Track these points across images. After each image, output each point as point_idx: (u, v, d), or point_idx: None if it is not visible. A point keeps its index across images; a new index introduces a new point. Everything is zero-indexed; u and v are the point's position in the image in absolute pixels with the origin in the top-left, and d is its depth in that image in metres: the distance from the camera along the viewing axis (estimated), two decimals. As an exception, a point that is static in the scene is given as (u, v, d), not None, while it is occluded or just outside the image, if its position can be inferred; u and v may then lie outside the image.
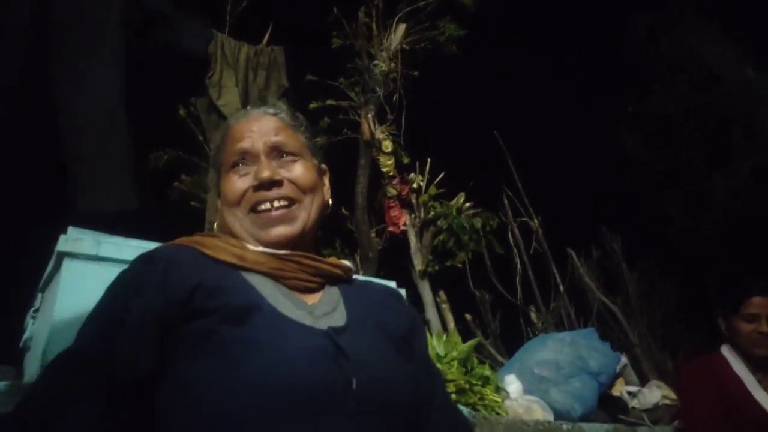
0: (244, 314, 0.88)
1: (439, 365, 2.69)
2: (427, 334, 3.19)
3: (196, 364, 0.83)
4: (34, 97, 2.36)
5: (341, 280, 1.08)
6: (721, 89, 6.22)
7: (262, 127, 1.07)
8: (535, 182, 5.01)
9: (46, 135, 2.31)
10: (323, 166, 1.17)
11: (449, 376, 2.69)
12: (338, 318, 0.98)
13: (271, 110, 1.14)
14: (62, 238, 1.57)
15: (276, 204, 1.03)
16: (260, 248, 1.01)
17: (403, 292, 2.73)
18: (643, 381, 3.51)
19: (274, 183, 1.03)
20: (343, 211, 4.57)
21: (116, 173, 2.41)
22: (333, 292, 1.04)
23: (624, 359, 3.47)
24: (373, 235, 4.42)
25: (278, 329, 0.88)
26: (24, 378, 1.67)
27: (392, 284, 2.53)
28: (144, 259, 0.97)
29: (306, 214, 1.05)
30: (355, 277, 1.16)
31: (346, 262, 1.12)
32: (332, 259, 1.11)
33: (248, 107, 1.16)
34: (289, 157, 1.07)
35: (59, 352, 0.87)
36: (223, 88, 3.39)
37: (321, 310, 0.98)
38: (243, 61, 3.58)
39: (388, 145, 4.57)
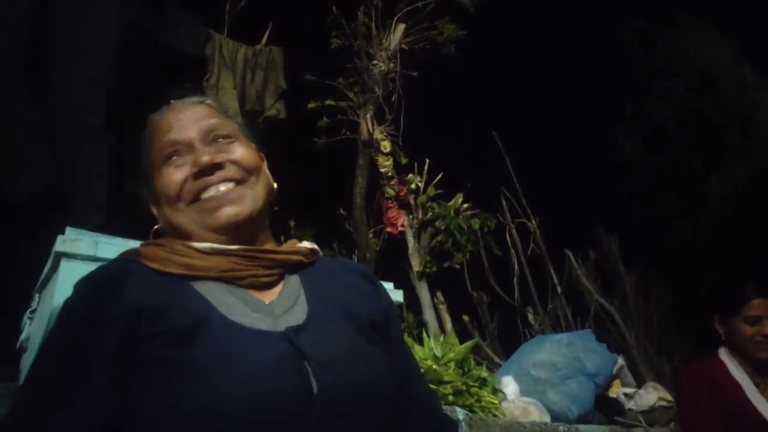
0: (193, 333, 0.82)
1: (436, 366, 2.69)
2: (425, 335, 3.19)
3: (151, 393, 0.78)
4: (30, 96, 2.35)
5: (303, 266, 1.00)
6: (718, 92, 6.23)
7: (191, 115, 1.00)
8: (532, 183, 5.02)
9: (42, 136, 2.30)
10: (261, 153, 1.08)
11: (446, 378, 2.69)
12: (299, 313, 0.91)
13: (196, 98, 1.06)
14: (60, 238, 1.56)
15: (222, 188, 0.95)
16: (208, 244, 0.93)
17: (400, 293, 2.73)
18: (640, 383, 3.52)
19: (215, 166, 0.95)
20: (341, 211, 4.57)
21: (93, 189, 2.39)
22: (293, 283, 0.97)
23: (621, 361, 3.48)
24: (370, 235, 4.42)
25: (231, 343, 0.82)
26: (20, 379, 1.67)
27: (389, 285, 2.53)
28: (85, 286, 0.89)
29: (253, 193, 0.98)
30: (321, 259, 1.05)
31: (307, 243, 1.04)
32: (290, 244, 1.03)
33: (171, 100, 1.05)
34: (226, 140, 1.00)
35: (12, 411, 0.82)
36: (221, 90, 3.39)
37: (280, 307, 0.91)
38: (241, 62, 3.58)
39: (386, 146, 4.57)
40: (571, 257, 4.69)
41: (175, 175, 0.95)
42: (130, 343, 0.81)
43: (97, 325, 0.83)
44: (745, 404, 2.27)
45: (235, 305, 0.88)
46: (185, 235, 0.96)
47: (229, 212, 0.93)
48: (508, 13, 6.18)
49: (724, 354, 2.43)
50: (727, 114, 6.07)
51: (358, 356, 0.88)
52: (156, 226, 1.04)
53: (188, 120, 0.98)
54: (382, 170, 4.56)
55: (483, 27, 5.04)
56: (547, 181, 5.38)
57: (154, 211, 1.02)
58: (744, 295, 2.38)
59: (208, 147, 0.97)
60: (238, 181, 0.96)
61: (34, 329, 1.73)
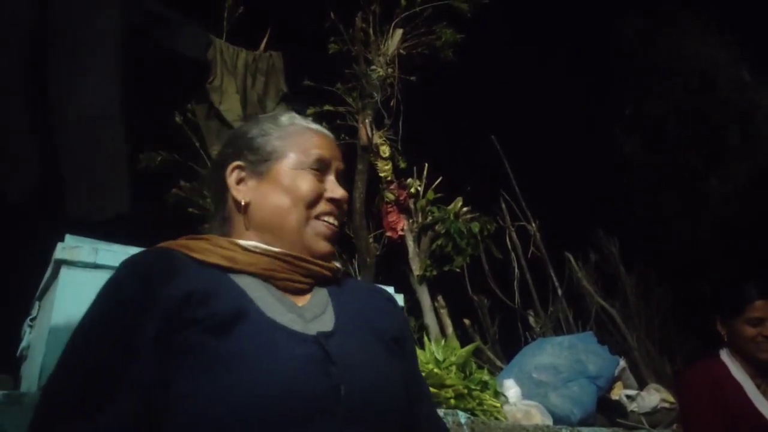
0: (233, 323, 0.87)
1: (437, 370, 2.69)
2: (426, 339, 3.19)
3: (188, 378, 0.82)
4: (31, 101, 2.35)
5: (330, 281, 1.08)
6: (717, 92, 6.24)
7: (335, 149, 1.13)
8: (532, 186, 5.02)
9: (43, 141, 2.30)
10: None
11: (448, 381, 2.69)
12: (327, 321, 0.97)
13: (331, 135, 1.19)
14: (60, 246, 1.56)
15: (336, 223, 1.07)
16: (254, 242, 1.00)
17: (401, 297, 2.73)
18: (642, 384, 3.52)
19: (342, 205, 1.08)
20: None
21: (109, 179, 2.40)
22: (322, 294, 1.04)
23: (622, 363, 3.47)
24: (371, 240, 4.41)
25: (266, 338, 0.88)
26: (21, 387, 1.67)
27: (390, 289, 2.53)
28: (132, 267, 0.94)
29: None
30: (345, 278, 1.16)
31: (335, 263, 1.11)
32: (323, 262, 1.10)
33: (295, 116, 1.17)
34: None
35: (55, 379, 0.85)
36: (224, 93, 3.39)
37: (311, 312, 0.97)
38: (241, 67, 3.59)
39: (385, 150, 4.57)
40: (572, 260, 4.69)
41: (317, 185, 1.05)
42: (176, 325, 0.85)
43: (145, 304, 0.86)
44: (747, 405, 2.26)
45: (271, 303, 0.94)
46: (264, 225, 1.03)
47: (327, 248, 1.05)
48: (506, 17, 6.20)
49: (725, 355, 2.42)
50: (726, 114, 6.08)
51: (380, 366, 0.94)
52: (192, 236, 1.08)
53: (335, 152, 1.11)
54: (382, 175, 4.57)
55: (481, 31, 5.05)
56: (547, 184, 5.38)
57: (241, 178, 1.07)
58: (746, 297, 2.37)
59: (339, 180, 1.10)
60: (339, 225, 1.09)
61: (34, 337, 1.73)
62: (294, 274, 1.00)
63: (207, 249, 0.98)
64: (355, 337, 0.96)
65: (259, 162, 1.07)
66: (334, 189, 1.07)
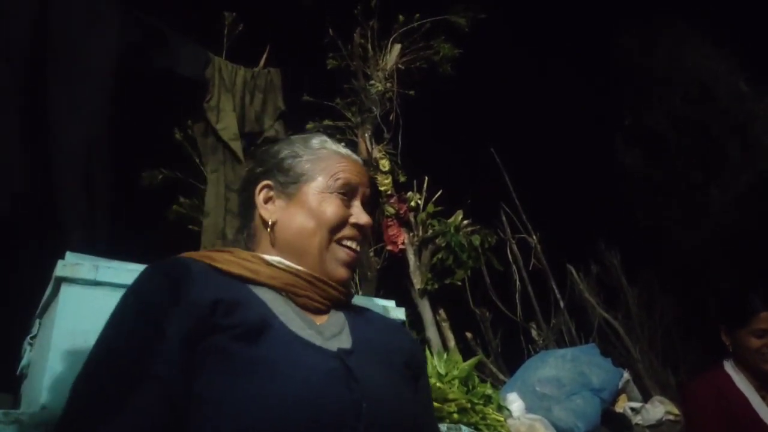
0: (259, 332, 0.88)
1: (439, 384, 2.67)
2: (428, 353, 3.17)
3: (213, 380, 0.83)
4: (27, 116, 2.37)
5: (345, 305, 1.10)
6: (715, 103, 6.27)
7: (363, 175, 1.15)
8: (532, 198, 5.02)
9: (41, 159, 2.31)
10: None
11: (450, 395, 2.67)
12: (345, 340, 0.99)
13: (360, 161, 1.20)
14: (60, 263, 1.56)
15: (357, 249, 1.09)
16: (278, 258, 1.02)
17: (402, 311, 2.72)
18: (646, 397, 3.49)
19: (366, 232, 1.10)
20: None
21: (93, 208, 2.40)
22: (338, 316, 1.05)
23: (626, 375, 3.45)
24: (371, 254, 4.41)
25: (291, 348, 0.89)
26: (21, 406, 1.66)
27: (391, 303, 2.52)
28: (158, 273, 0.95)
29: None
30: (355, 302, 1.17)
31: (349, 287, 1.15)
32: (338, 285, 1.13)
33: (326, 141, 1.19)
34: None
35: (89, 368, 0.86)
36: (222, 111, 3.41)
37: (329, 331, 0.99)
38: (240, 84, 3.61)
39: (385, 164, 4.58)
40: (573, 272, 4.68)
41: (342, 211, 1.07)
42: (203, 330, 0.86)
43: (174, 305, 0.88)
44: (752, 416, 2.25)
45: (292, 317, 0.96)
46: (287, 245, 1.06)
47: (346, 274, 1.07)
48: (504, 30, 6.25)
49: (729, 366, 2.41)
50: (725, 124, 6.10)
51: (396, 387, 0.96)
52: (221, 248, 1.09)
53: (363, 177, 1.14)
54: (382, 189, 4.57)
55: (479, 44, 5.08)
56: (547, 196, 5.39)
57: (269, 197, 1.10)
58: (751, 308, 2.37)
59: (363, 205, 1.12)
60: (360, 251, 1.11)
61: (34, 355, 1.72)
62: (313, 293, 1.02)
63: (230, 260, 1.00)
64: (371, 358, 0.98)
65: (289, 183, 1.09)
66: (359, 215, 1.09)
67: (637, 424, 3.15)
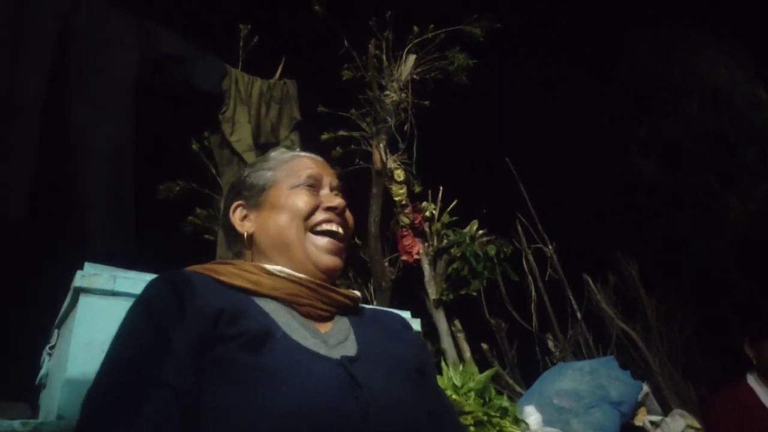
0: (263, 341, 0.89)
1: (456, 396, 2.65)
2: (443, 364, 3.15)
3: (219, 390, 0.84)
4: (49, 132, 2.40)
5: (351, 309, 1.10)
6: (732, 111, 6.19)
7: (325, 168, 1.19)
8: (548, 208, 4.99)
9: (63, 172, 2.35)
10: None
11: (467, 408, 2.65)
12: (350, 347, 0.99)
13: (321, 158, 1.23)
14: (79, 273, 1.58)
15: (340, 230, 1.10)
16: (280, 267, 1.02)
17: (417, 321, 2.71)
18: (666, 410, 3.42)
19: (342, 212, 1.12)
20: (356, 240, 4.56)
21: (117, 220, 2.43)
22: (344, 322, 1.06)
23: (645, 387, 3.39)
24: (386, 264, 4.40)
25: (294, 358, 0.89)
26: (39, 415, 1.67)
27: (406, 314, 2.51)
28: (164, 284, 0.97)
29: (346, 252, 1.14)
30: (363, 306, 1.18)
31: (356, 292, 1.14)
32: (344, 289, 1.12)
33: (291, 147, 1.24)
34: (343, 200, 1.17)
35: (97, 386, 0.87)
36: (236, 123, 3.45)
37: (334, 338, 0.99)
38: (256, 96, 3.64)
39: (400, 174, 4.58)
40: (590, 282, 4.63)
41: (311, 198, 1.09)
42: (208, 340, 0.87)
43: (181, 315, 0.90)
44: None
45: (295, 327, 0.96)
46: (270, 248, 1.06)
47: (332, 262, 1.07)
48: (519, 39, 6.24)
49: (752, 379, 2.37)
50: (742, 133, 6.03)
51: (403, 392, 0.95)
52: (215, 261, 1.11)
53: (326, 170, 1.18)
54: (396, 198, 4.57)
55: (494, 54, 5.08)
56: (563, 205, 5.35)
57: (244, 215, 1.13)
58: None
59: (335, 192, 1.14)
60: (344, 236, 1.10)
61: (53, 365, 1.73)
62: (317, 301, 1.02)
63: (233, 272, 1.02)
64: (377, 364, 0.97)
65: (255, 195, 1.13)
66: (329, 198, 1.11)
67: (657, 438, 3.09)
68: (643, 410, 3.27)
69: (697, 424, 3.06)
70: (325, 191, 1.13)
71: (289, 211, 1.08)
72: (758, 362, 2.35)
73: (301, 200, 1.10)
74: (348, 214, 1.16)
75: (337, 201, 1.12)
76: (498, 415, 2.76)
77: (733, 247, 5.13)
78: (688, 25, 6.80)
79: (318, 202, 1.11)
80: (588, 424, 3.00)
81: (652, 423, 3.17)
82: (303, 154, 1.21)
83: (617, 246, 4.86)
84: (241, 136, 3.44)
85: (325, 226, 1.09)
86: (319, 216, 1.09)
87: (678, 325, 4.57)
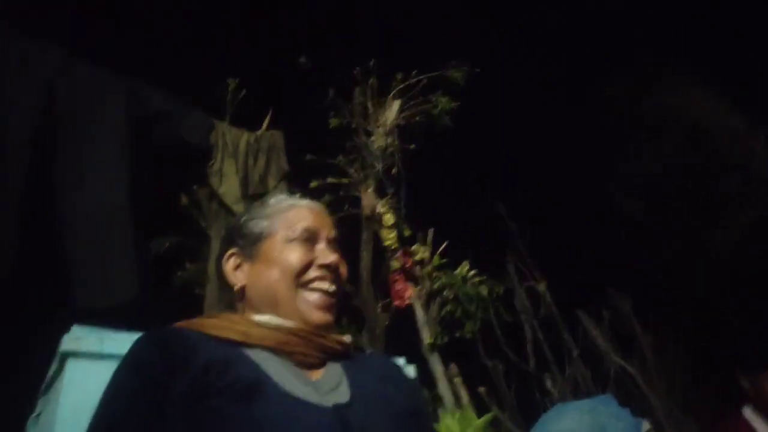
0: (252, 392, 0.88)
1: (454, 444, 2.60)
2: (440, 411, 3.10)
3: None
4: (36, 193, 2.41)
5: (342, 355, 1.08)
6: (711, 142, 6.32)
7: (323, 219, 1.16)
8: (538, 246, 5.02)
9: (46, 232, 2.35)
10: None
11: (466, 455, 2.59)
12: (343, 394, 0.98)
13: (323, 209, 1.22)
14: (65, 338, 1.56)
15: (331, 289, 1.09)
16: (268, 317, 1.02)
17: (412, 368, 2.68)
18: (668, 446, 3.38)
19: (336, 269, 1.10)
20: (348, 287, 4.54)
21: (117, 266, 2.43)
22: (335, 368, 1.04)
23: (646, 425, 3.33)
24: (379, 310, 4.37)
25: (286, 408, 0.88)
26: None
27: (401, 360, 2.48)
28: (151, 342, 0.97)
29: (337, 308, 1.11)
30: (356, 352, 1.16)
31: (346, 337, 1.13)
32: (335, 335, 1.11)
33: (290, 195, 1.22)
34: (339, 254, 1.13)
35: None
36: (224, 176, 3.48)
37: (326, 385, 0.98)
38: (243, 148, 3.68)
39: (389, 219, 4.60)
40: (585, 318, 4.62)
41: (305, 254, 1.07)
42: (197, 393, 0.86)
43: (167, 372, 0.89)
44: None
45: (286, 376, 0.95)
46: (261, 302, 1.05)
47: (323, 318, 1.05)
48: (499, 82, 6.39)
49: (749, 413, 2.35)
50: (722, 163, 6.14)
51: None
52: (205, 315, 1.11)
53: (324, 220, 1.15)
54: (386, 243, 4.57)
55: (476, 97, 5.20)
56: (552, 243, 5.38)
57: (237, 265, 1.11)
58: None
59: (330, 246, 1.12)
60: (336, 292, 1.09)
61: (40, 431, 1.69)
62: (307, 349, 1.01)
63: (221, 325, 1.02)
64: (371, 410, 0.96)
65: (250, 245, 1.11)
66: (324, 255, 1.09)
67: (661, 477, 3.03)
68: (644, 448, 3.22)
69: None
70: (321, 246, 1.12)
71: (282, 266, 1.07)
72: (754, 395, 2.34)
73: (295, 256, 1.08)
74: (342, 268, 1.16)
75: (332, 258, 1.10)
76: (499, 461, 2.71)
77: (722, 279, 5.16)
78: (663, 60, 7.00)
79: (312, 257, 1.09)
80: (590, 465, 2.94)
81: (655, 461, 3.11)
82: (302, 203, 1.19)
83: (609, 282, 4.86)
84: (228, 188, 3.46)
85: (317, 284, 1.08)
86: (312, 273, 1.08)
87: (675, 359, 4.55)
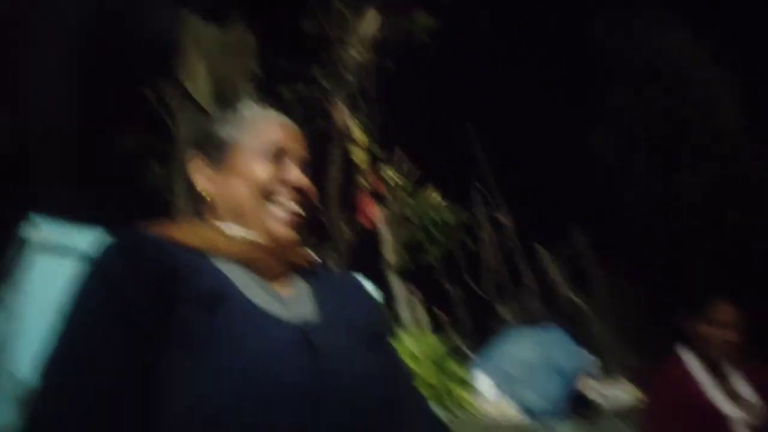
0: (219, 302, 0.84)
1: (413, 365, 2.67)
2: (400, 332, 3.17)
3: (175, 355, 0.78)
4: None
5: (309, 272, 1.08)
6: (688, 91, 6.36)
7: (295, 136, 1.10)
8: (506, 179, 5.04)
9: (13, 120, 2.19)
10: None
11: (423, 376, 2.68)
12: (309, 312, 0.97)
13: (297, 127, 1.15)
14: (26, 225, 1.50)
15: (298, 210, 1.04)
16: (237, 230, 0.98)
17: (375, 289, 2.70)
18: (611, 379, 3.58)
19: (303, 191, 1.04)
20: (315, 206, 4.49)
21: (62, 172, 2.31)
22: (302, 285, 1.03)
23: (592, 357, 3.54)
24: (344, 227, 4.36)
25: (252, 321, 0.85)
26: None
27: (365, 281, 2.49)
28: (117, 250, 0.92)
29: (304, 228, 1.07)
30: (323, 270, 1.14)
31: (313, 254, 1.11)
32: (301, 252, 1.10)
33: (267, 109, 1.15)
34: (307, 174, 1.09)
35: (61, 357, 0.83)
36: (194, 74, 3.34)
37: (293, 302, 0.96)
38: (212, 46, 3.51)
39: (360, 137, 4.51)
40: (544, 253, 4.73)
41: (274, 171, 1.01)
42: (164, 304, 0.82)
43: (135, 284, 0.84)
44: (706, 402, 2.34)
45: (254, 288, 0.92)
46: (227, 213, 0.99)
47: (290, 235, 0.98)
48: (482, 10, 6.17)
49: (688, 353, 2.50)
50: (694, 113, 6.21)
51: (361, 359, 0.91)
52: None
53: (297, 140, 1.12)
54: (357, 162, 4.50)
55: (457, 19, 5.02)
56: (521, 177, 5.39)
57: (202, 171, 1.07)
58: (711, 300, 2.45)
59: (300, 166, 1.05)
60: (303, 213, 1.02)
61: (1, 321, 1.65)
62: (274, 264, 0.99)
63: (187, 232, 0.97)
64: (336, 329, 0.96)
65: (218, 152, 1.07)
66: (293, 174, 1.04)
67: (600, 406, 3.23)
68: (588, 379, 3.41)
69: (638, 393, 3.22)
70: (290, 164, 1.07)
71: (249, 180, 1.02)
72: (693, 338, 2.48)
73: (263, 171, 1.03)
74: (311, 191, 1.11)
75: (302, 180, 1.05)
76: (453, 382, 2.82)
77: (684, 226, 5.34)
78: (645, 4, 6.88)
79: (281, 176, 1.05)
80: (536, 391, 3.11)
81: (596, 391, 3.31)
82: (273, 115, 1.13)
83: (571, 219, 4.96)
84: (198, 86, 3.32)
85: (285, 203, 1.04)
86: (280, 191, 1.04)
87: (626, 299, 4.74)
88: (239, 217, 0.99)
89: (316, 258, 1.06)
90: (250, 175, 1.00)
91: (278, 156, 1.02)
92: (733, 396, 2.38)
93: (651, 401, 2.47)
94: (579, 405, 3.23)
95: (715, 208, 5.11)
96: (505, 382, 3.11)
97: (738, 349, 2.39)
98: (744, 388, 2.42)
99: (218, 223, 0.98)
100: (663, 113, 6.22)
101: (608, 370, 3.66)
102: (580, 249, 4.79)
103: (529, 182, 5.42)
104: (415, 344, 2.85)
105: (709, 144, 5.83)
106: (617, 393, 3.29)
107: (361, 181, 4.51)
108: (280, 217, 0.99)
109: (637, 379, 3.08)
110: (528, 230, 4.89)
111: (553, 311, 4.43)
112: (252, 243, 0.96)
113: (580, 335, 3.84)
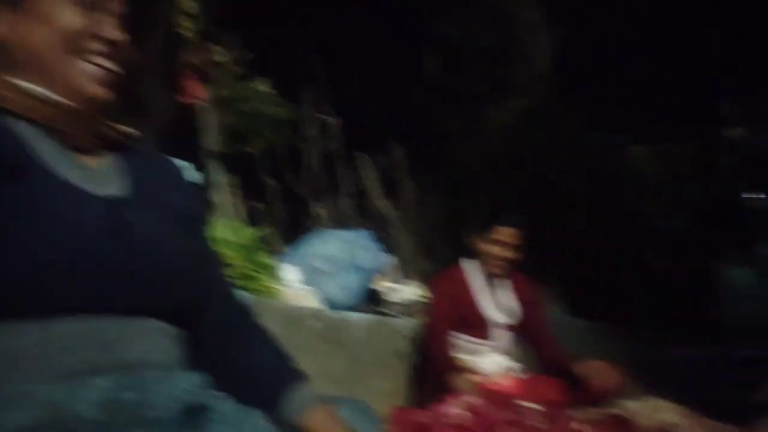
0: (19, 170, 0.77)
1: (226, 250, 2.69)
2: (214, 218, 3.13)
3: None
4: None
5: (122, 147, 0.98)
6: (513, 29, 6.75)
7: None
8: (338, 82, 5.05)
9: None
10: None
11: (233, 261, 2.71)
12: (120, 188, 0.91)
13: None
14: None
15: (111, 67, 0.91)
16: (38, 88, 0.86)
17: (192, 171, 2.61)
18: (406, 281, 3.97)
19: (120, 49, 0.92)
20: (132, 71, 4.07)
21: None
22: (113, 160, 0.96)
23: (391, 260, 3.88)
24: (164, 103, 4.03)
25: (55, 193, 0.80)
26: None
27: (184, 164, 2.40)
28: None
29: (116, 89, 0.96)
30: (139, 147, 1.06)
31: (130, 129, 1.03)
32: (114, 124, 1.00)
33: None
34: (120, 24, 0.94)
35: None
36: None
37: (101, 175, 0.90)
38: None
39: (189, 4, 4.12)
40: (363, 159, 4.93)
41: (83, 21, 0.89)
42: None
43: None
44: (473, 303, 2.81)
45: (56, 156, 0.85)
46: (25, 64, 0.87)
47: (101, 93, 0.89)
48: None
49: (468, 263, 2.92)
50: (516, 51, 6.66)
51: (171, 237, 0.91)
52: None
53: None
54: (183, 32, 4.12)
55: None
56: (353, 86, 5.43)
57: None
58: (497, 220, 2.85)
59: (115, 21, 0.93)
60: (117, 72, 0.93)
61: None
62: (80, 131, 0.90)
63: None
64: (147, 207, 0.92)
65: None
66: (107, 27, 0.92)
67: (394, 303, 3.61)
68: (386, 278, 3.75)
69: (425, 294, 3.63)
70: (104, 15, 0.93)
71: (53, 27, 0.88)
72: (476, 252, 2.89)
73: (71, 19, 0.88)
74: (127, 50, 0.98)
75: (117, 34, 0.93)
76: (261, 270, 2.90)
77: (491, 152, 5.88)
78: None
79: (92, 27, 0.92)
80: (339, 285, 3.36)
81: (392, 290, 3.67)
82: None
83: (392, 133, 5.17)
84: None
85: (96, 59, 0.92)
86: (91, 45, 0.91)
87: (430, 213, 5.20)
88: (41, 71, 0.88)
89: (132, 131, 0.99)
90: (54, 21, 0.88)
91: (89, 3, 0.90)
92: (499, 303, 2.87)
93: (431, 300, 2.89)
94: (375, 300, 3.57)
95: (518, 143, 5.71)
96: (310, 275, 3.29)
97: (512, 264, 2.85)
98: (508, 296, 2.91)
99: (12, 78, 0.87)
100: (490, 49, 6.61)
101: (405, 273, 4.05)
102: (396, 161, 5.06)
103: (359, 92, 5.51)
104: (228, 232, 2.85)
105: (522, 84, 6.38)
106: (408, 291, 3.67)
107: (187, 55, 4.17)
108: (90, 72, 0.89)
109: (426, 282, 3.48)
110: (351, 137, 5.01)
111: (364, 216, 4.69)
112: (55, 102, 0.87)
113: (385, 240, 4.15)
